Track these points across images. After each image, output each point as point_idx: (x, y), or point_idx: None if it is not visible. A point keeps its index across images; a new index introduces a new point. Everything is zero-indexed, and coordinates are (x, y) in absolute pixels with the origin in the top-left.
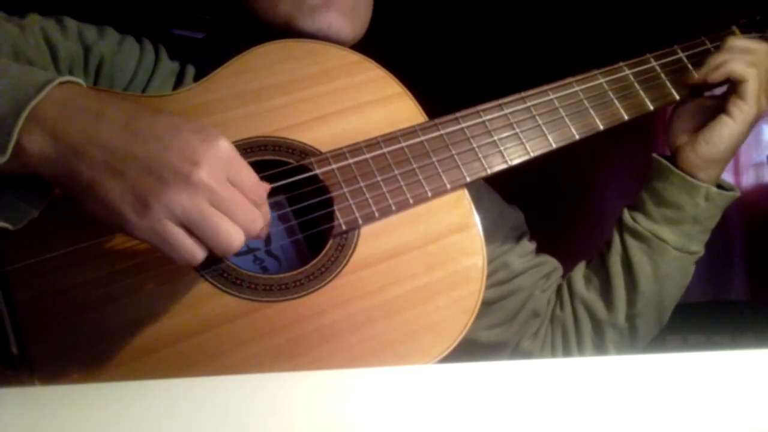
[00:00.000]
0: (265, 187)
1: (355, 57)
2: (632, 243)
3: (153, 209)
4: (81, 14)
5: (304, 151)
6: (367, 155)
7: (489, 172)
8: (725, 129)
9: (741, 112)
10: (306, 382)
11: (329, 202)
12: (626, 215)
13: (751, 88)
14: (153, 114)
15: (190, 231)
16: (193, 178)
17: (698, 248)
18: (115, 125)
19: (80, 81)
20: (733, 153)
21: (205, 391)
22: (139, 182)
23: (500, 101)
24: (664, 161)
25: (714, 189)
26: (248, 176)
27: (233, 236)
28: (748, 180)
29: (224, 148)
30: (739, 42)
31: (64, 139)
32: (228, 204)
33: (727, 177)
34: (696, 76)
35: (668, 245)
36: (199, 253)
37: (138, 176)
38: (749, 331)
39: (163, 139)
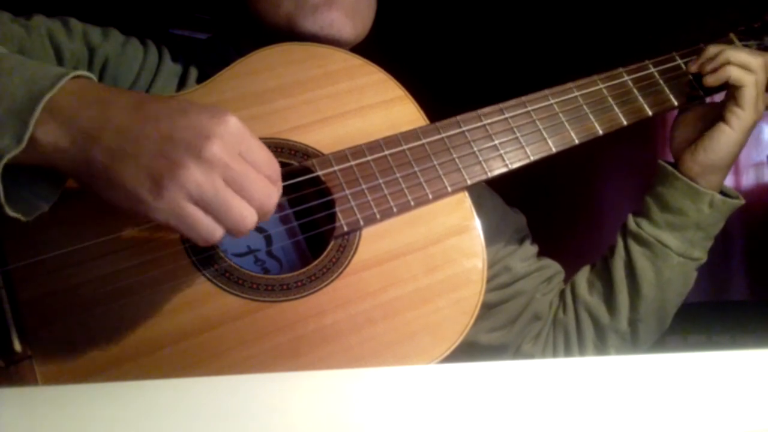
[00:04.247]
0: (277, 162)
1: (358, 60)
2: (635, 248)
3: (169, 190)
4: (83, 14)
5: (306, 153)
6: (369, 157)
7: (489, 175)
8: (722, 136)
9: (738, 119)
10: (306, 382)
11: (331, 204)
12: (631, 221)
13: (748, 94)
14: (162, 98)
15: (206, 209)
16: (205, 153)
17: (701, 254)
18: (125, 110)
19: (91, 76)
20: (733, 159)
21: (205, 391)
22: (153, 164)
23: (501, 105)
24: (669, 167)
25: (718, 196)
26: (261, 151)
27: (246, 216)
28: (748, 180)
29: (234, 123)
30: (736, 53)
31: (78, 128)
32: (242, 180)
33: (727, 177)
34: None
35: (671, 251)
36: (217, 231)
37: (152, 158)
38: (749, 331)
39: (173, 119)
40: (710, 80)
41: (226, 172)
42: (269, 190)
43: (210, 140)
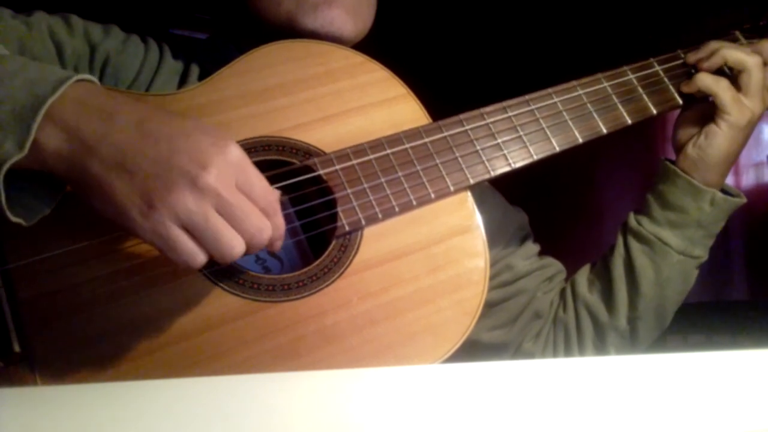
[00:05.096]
0: (276, 194)
1: (360, 58)
2: (635, 246)
3: (157, 211)
4: (83, 13)
5: (307, 152)
6: (371, 156)
7: (492, 174)
8: (711, 135)
9: (723, 120)
10: (306, 382)
11: (332, 203)
12: (631, 218)
13: (724, 100)
14: (166, 116)
15: (193, 235)
16: (200, 182)
17: (701, 253)
18: (127, 125)
19: (95, 80)
20: (729, 158)
21: (205, 391)
22: (147, 183)
23: (504, 104)
24: (671, 165)
25: (720, 194)
26: (258, 183)
27: (234, 246)
28: (748, 180)
29: (234, 153)
30: (731, 51)
31: (78, 137)
32: (234, 211)
33: (727, 176)
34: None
35: (671, 249)
36: (199, 258)
37: (146, 177)
38: (749, 331)
39: (173, 141)
40: (684, 88)
41: (219, 202)
42: (261, 224)
43: (206, 169)
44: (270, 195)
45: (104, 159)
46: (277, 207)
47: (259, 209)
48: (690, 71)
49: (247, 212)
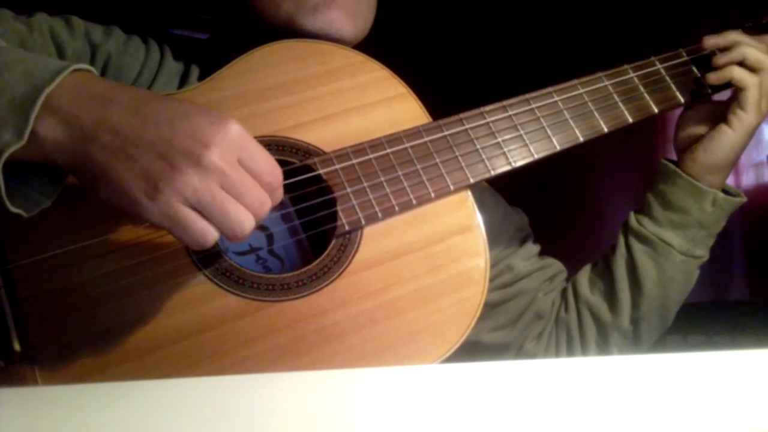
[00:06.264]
0: (280, 169)
1: (360, 57)
2: (637, 246)
3: (164, 193)
4: (84, 14)
5: (307, 151)
6: (371, 156)
7: (493, 173)
8: (722, 137)
9: (740, 120)
10: (306, 382)
11: (332, 203)
12: (632, 219)
13: (751, 97)
14: (163, 99)
15: (202, 214)
16: (204, 160)
17: (703, 253)
18: (126, 110)
19: (92, 69)
20: (734, 160)
21: (205, 391)
22: (151, 166)
23: (504, 103)
24: (672, 165)
25: (721, 194)
26: (262, 158)
27: (243, 220)
28: (748, 180)
29: (235, 130)
30: (751, 50)
31: (77, 125)
32: (238, 187)
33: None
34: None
35: (673, 249)
36: (210, 236)
37: (149, 160)
38: (749, 331)
39: (173, 123)
40: (713, 78)
41: (224, 179)
42: (263, 198)
43: (209, 148)
44: (274, 168)
45: (105, 145)
46: (281, 179)
47: (265, 182)
48: (692, 68)
49: (250, 187)
